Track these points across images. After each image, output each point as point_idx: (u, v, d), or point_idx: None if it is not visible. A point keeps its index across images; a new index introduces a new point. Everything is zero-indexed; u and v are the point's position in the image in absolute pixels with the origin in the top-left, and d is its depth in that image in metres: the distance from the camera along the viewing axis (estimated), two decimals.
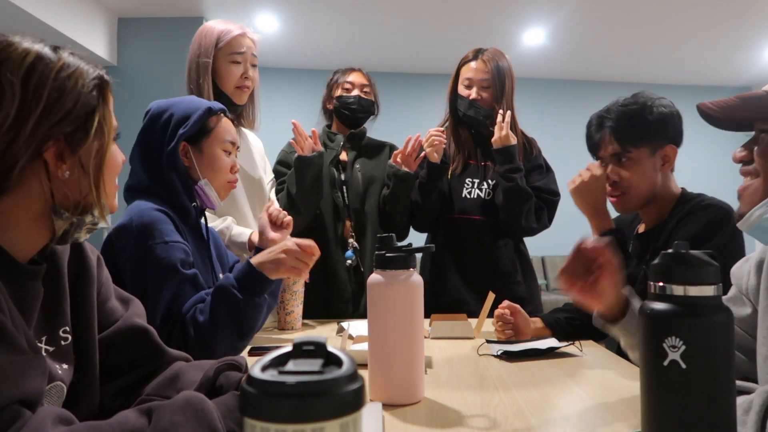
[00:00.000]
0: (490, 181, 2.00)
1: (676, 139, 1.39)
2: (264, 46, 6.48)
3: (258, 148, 1.94)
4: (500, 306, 1.48)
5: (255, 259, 1.20)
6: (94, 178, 0.76)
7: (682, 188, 1.44)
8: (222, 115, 1.36)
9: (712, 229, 1.24)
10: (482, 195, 2.00)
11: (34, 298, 0.76)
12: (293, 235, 1.49)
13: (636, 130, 1.36)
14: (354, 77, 2.12)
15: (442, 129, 1.97)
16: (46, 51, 0.73)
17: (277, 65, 6.17)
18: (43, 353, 0.75)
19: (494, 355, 1.33)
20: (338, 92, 2.11)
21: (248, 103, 1.85)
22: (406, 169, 1.95)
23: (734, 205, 0.94)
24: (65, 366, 0.79)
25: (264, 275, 1.18)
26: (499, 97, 1.97)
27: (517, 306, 1.47)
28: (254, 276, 1.18)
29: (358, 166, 2.09)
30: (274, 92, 6.18)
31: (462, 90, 2.00)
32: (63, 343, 0.80)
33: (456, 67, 2.05)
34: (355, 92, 2.09)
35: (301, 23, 5.37)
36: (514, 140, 1.92)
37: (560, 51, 5.99)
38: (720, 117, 0.88)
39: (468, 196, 2.01)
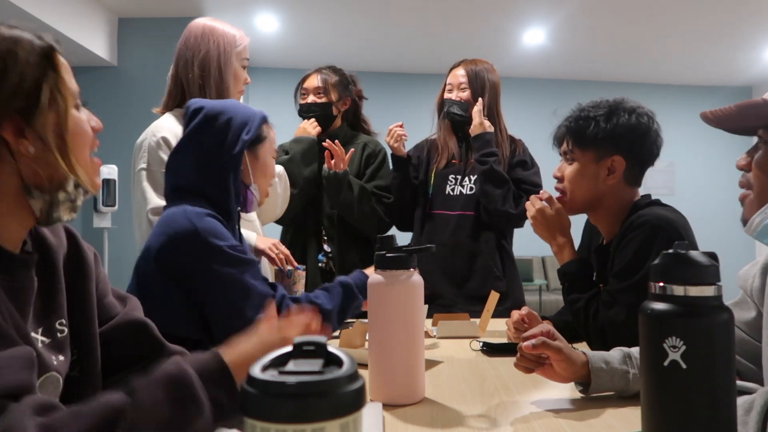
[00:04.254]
0: (471, 176, 2.08)
1: (633, 154, 1.33)
2: (264, 46, 6.41)
3: None
4: (520, 314, 1.47)
5: (369, 271, 1.36)
6: (58, 149, 0.73)
7: (640, 198, 1.40)
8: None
9: (648, 245, 1.23)
10: (464, 191, 2.08)
11: (27, 288, 0.76)
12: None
13: (585, 133, 1.34)
14: (308, 82, 2.19)
15: (400, 123, 2.12)
16: None
17: (277, 65, 6.17)
18: (39, 344, 0.76)
19: (481, 350, 1.39)
20: (299, 99, 2.21)
21: None
22: (334, 170, 2.03)
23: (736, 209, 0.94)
24: (61, 357, 0.79)
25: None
26: (476, 97, 2.08)
27: (534, 313, 1.47)
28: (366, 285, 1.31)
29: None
30: (274, 92, 6.17)
31: (446, 94, 2.14)
32: (59, 335, 0.80)
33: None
34: (310, 98, 2.17)
35: (301, 23, 5.37)
36: (490, 128, 2.04)
37: (560, 51, 5.98)
38: (717, 126, 0.89)
39: (451, 193, 2.10)
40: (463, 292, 2.01)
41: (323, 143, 2.04)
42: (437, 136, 2.18)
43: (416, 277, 1.01)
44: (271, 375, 0.39)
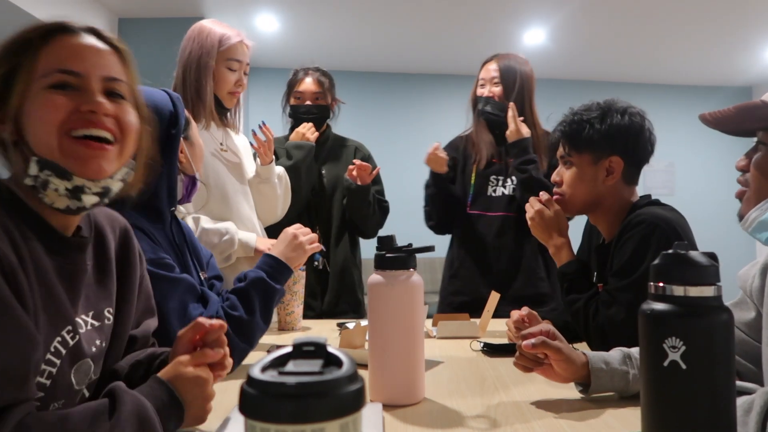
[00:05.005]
0: (513, 177, 2.04)
1: (629, 153, 1.35)
2: (264, 46, 6.38)
3: (246, 149, 1.95)
4: (520, 314, 1.45)
5: (275, 252, 1.28)
6: (15, 129, 0.73)
7: (639, 198, 1.41)
8: None
9: (646, 243, 1.24)
10: (506, 192, 2.05)
11: (80, 271, 0.78)
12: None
13: (580, 137, 1.35)
14: (304, 86, 2.16)
15: (437, 143, 2.06)
16: None
17: (277, 65, 6.16)
18: (88, 326, 0.79)
19: (482, 350, 1.39)
20: (291, 100, 2.18)
21: (235, 106, 1.86)
22: (359, 183, 2.04)
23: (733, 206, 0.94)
24: (99, 342, 0.82)
25: (287, 265, 1.28)
26: (509, 93, 2.02)
27: (534, 312, 1.46)
28: (281, 267, 1.27)
29: (323, 171, 2.17)
30: (274, 92, 6.17)
31: (479, 90, 2.09)
32: (106, 321, 0.83)
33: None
34: (307, 102, 2.15)
35: (301, 23, 5.37)
36: (527, 133, 1.98)
37: (560, 51, 5.98)
38: (716, 128, 0.90)
39: (493, 194, 2.07)
40: (507, 294, 1.93)
41: (354, 160, 2.06)
42: (472, 133, 2.13)
43: (416, 277, 1.01)
44: (271, 375, 0.39)
